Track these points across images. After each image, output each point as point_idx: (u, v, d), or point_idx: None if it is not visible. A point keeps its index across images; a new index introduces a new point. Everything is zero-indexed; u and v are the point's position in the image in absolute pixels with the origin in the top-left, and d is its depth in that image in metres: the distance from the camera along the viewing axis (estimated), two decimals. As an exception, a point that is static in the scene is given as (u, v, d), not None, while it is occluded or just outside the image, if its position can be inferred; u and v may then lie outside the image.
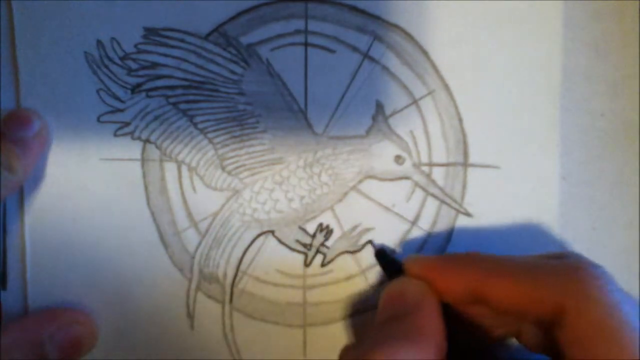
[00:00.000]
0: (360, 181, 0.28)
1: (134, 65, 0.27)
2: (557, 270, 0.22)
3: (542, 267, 0.23)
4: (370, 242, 0.28)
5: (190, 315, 0.28)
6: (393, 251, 0.28)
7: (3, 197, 0.25)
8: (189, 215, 0.28)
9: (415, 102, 0.28)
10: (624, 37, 0.28)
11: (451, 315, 0.24)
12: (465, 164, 0.28)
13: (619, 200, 0.29)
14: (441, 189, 0.28)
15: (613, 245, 0.29)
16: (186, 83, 0.27)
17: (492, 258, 0.24)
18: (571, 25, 0.28)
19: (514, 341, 0.25)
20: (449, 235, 0.28)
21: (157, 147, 0.28)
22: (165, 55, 0.27)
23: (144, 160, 0.28)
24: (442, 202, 0.28)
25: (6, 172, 0.25)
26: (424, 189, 0.28)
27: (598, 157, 0.29)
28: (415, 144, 0.28)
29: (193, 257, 0.28)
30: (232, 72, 0.27)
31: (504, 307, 0.23)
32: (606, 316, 0.21)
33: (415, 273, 0.24)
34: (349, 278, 0.28)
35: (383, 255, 0.27)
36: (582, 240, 0.29)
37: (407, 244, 0.28)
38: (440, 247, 0.28)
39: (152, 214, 0.28)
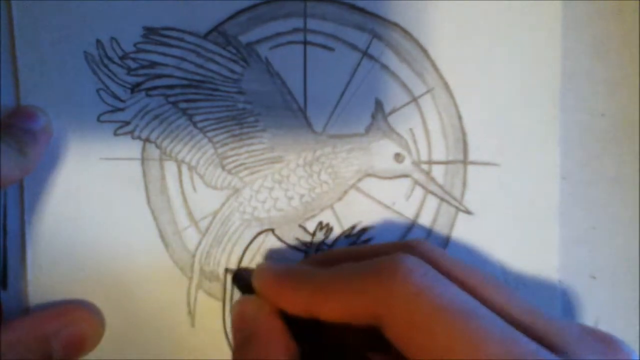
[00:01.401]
0: (359, 179, 0.28)
1: (133, 65, 0.27)
2: (368, 277, 0.22)
3: (358, 277, 0.23)
4: (226, 269, 0.28)
5: (191, 314, 0.28)
6: (249, 271, 0.27)
7: (15, 180, 0.25)
8: (189, 214, 0.28)
9: (414, 100, 0.28)
10: (624, 37, 0.28)
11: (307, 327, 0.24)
12: (465, 162, 0.28)
13: (618, 200, 0.29)
14: (441, 187, 0.28)
15: (613, 245, 0.29)
16: (186, 82, 0.27)
17: (319, 275, 0.24)
18: (571, 25, 0.28)
19: None
20: (449, 233, 0.28)
21: (157, 146, 0.28)
22: (165, 55, 0.27)
23: (144, 160, 0.28)
24: (442, 199, 0.28)
25: (17, 154, 0.25)
26: (423, 187, 0.28)
27: (598, 157, 0.29)
28: (415, 142, 0.28)
29: (193, 256, 0.28)
30: (232, 71, 0.27)
31: (333, 319, 0.23)
32: (411, 308, 0.21)
33: (260, 291, 0.25)
34: (349, 276, 0.28)
35: (239, 278, 0.27)
36: (582, 240, 0.29)
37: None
38: (441, 245, 0.28)
39: (153, 213, 0.28)
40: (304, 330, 0.24)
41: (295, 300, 0.24)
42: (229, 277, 0.28)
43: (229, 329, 0.28)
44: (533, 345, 0.20)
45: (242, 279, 0.27)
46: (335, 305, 0.23)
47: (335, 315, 0.23)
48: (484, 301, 0.22)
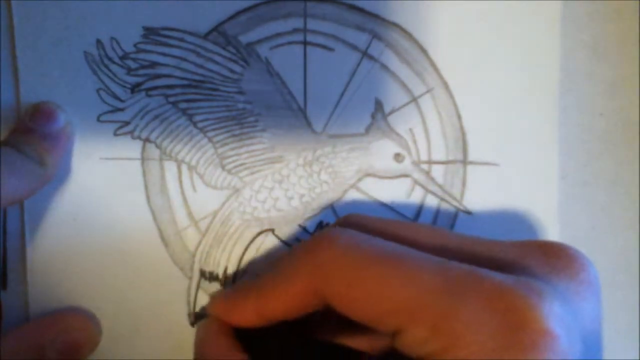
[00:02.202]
0: (359, 179, 0.28)
1: (133, 65, 0.27)
2: (298, 260, 0.22)
3: (288, 266, 0.23)
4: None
5: (191, 314, 0.28)
6: None
7: (35, 191, 0.25)
8: (189, 214, 0.28)
9: (414, 100, 0.28)
10: (623, 37, 0.28)
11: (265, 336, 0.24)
12: (465, 162, 0.28)
13: (618, 200, 0.29)
14: (440, 187, 0.28)
15: (613, 245, 0.29)
16: (186, 82, 0.27)
17: (260, 278, 0.24)
18: (571, 25, 0.28)
19: None
20: (449, 232, 0.28)
21: (156, 146, 0.28)
22: (165, 55, 0.27)
23: (143, 160, 0.28)
24: (442, 199, 0.28)
25: (37, 166, 0.25)
26: (423, 187, 0.28)
27: (597, 157, 0.29)
28: (415, 141, 0.28)
29: (193, 256, 0.28)
30: (232, 71, 0.27)
31: (281, 317, 0.23)
32: (344, 267, 0.21)
33: (214, 313, 0.25)
34: (349, 276, 0.28)
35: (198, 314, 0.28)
36: (582, 240, 0.29)
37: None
38: (440, 245, 0.28)
39: (152, 213, 0.28)
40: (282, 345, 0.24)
41: (244, 310, 0.24)
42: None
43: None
44: (466, 266, 0.20)
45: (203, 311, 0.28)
46: (278, 299, 0.23)
47: (283, 310, 0.23)
48: (420, 246, 0.22)
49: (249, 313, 0.24)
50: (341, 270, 0.21)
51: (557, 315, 0.19)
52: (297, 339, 0.25)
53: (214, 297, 0.26)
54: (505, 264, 0.21)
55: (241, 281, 0.27)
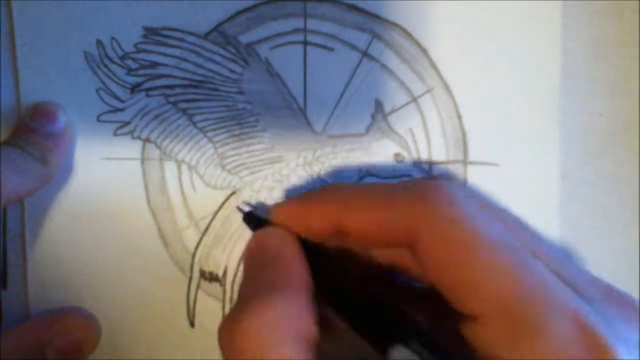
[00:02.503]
0: (360, 179, 0.28)
1: (133, 65, 0.27)
2: (406, 194, 0.22)
3: (394, 193, 0.22)
4: (237, 207, 0.27)
5: (191, 314, 0.28)
6: (262, 207, 0.27)
7: (37, 190, 0.25)
8: (189, 213, 0.28)
9: (414, 100, 0.28)
10: (623, 37, 0.28)
11: (321, 254, 0.23)
12: (465, 162, 0.28)
13: (618, 200, 0.29)
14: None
15: (613, 245, 0.29)
16: (186, 82, 0.27)
17: (349, 188, 0.23)
18: (571, 25, 0.28)
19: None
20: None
21: (156, 146, 0.28)
22: (165, 55, 0.27)
23: (143, 160, 0.28)
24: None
25: (40, 165, 0.25)
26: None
27: (598, 156, 0.29)
28: (415, 141, 0.28)
29: (193, 256, 0.28)
30: (232, 71, 0.27)
31: (362, 237, 0.22)
32: (455, 232, 0.20)
33: (280, 220, 0.24)
34: (349, 276, 0.28)
35: (251, 217, 0.26)
36: (582, 240, 0.29)
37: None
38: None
39: (152, 212, 0.28)
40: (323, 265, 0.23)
41: (323, 214, 0.23)
42: (240, 216, 0.27)
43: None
44: (564, 287, 0.20)
45: (255, 218, 0.26)
46: (368, 216, 0.22)
47: (366, 228, 0.22)
48: (519, 240, 0.21)
49: (326, 217, 0.22)
50: (451, 235, 0.20)
51: None
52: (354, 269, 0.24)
53: (280, 204, 0.25)
54: (587, 296, 0.21)
55: (313, 190, 0.25)
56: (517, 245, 0.21)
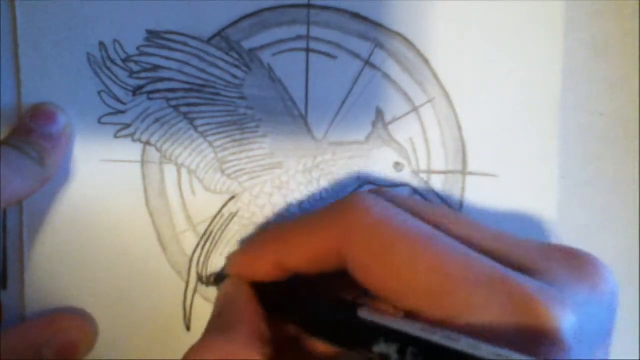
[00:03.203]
0: (359, 187, 0.28)
1: (135, 68, 0.27)
2: (328, 216, 0.23)
3: (319, 219, 0.23)
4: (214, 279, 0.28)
5: (187, 318, 0.28)
6: None
7: (35, 191, 0.25)
8: (188, 217, 0.28)
9: (415, 109, 0.28)
10: (624, 37, 0.28)
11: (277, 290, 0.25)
12: (464, 172, 0.28)
13: (619, 200, 0.29)
14: (439, 197, 0.28)
15: (613, 245, 0.29)
16: (187, 86, 0.27)
17: (283, 227, 0.25)
18: (571, 25, 0.28)
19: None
20: (447, 242, 0.28)
21: (157, 149, 0.28)
22: (167, 58, 0.27)
23: (143, 163, 0.28)
24: (440, 209, 0.28)
25: (37, 166, 0.25)
26: (422, 196, 0.28)
27: (598, 157, 0.29)
28: (415, 151, 0.28)
29: (191, 260, 0.28)
30: (234, 76, 0.27)
31: (305, 269, 0.23)
32: (374, 237, 0.21)
33: (233, 271, 0.26)
34: (346, 284, 0.28)
35: (219, 275, 0.28)
36: (582, 240, 0.29)
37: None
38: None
39: (151, 216, 0.28)
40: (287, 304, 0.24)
41: (263, 259, 0.24)
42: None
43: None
44: (491, 263, 0.20)
45: (221, 275, 0.28)
46: (299, 250, 0.23)
47: (302, 261, 0.23)
48: (447, 231, 0.22)
49: (267, 263, 0.24)
50: (370, 240, 0.21)
51: (574, 329, 0.19)
52: (310, 294, 0.25)
53: (231, 255, 0.26)
54: (528, 265, 0.21)
55: (256, 236, 0.27)
56: (437, 234, 0.21)
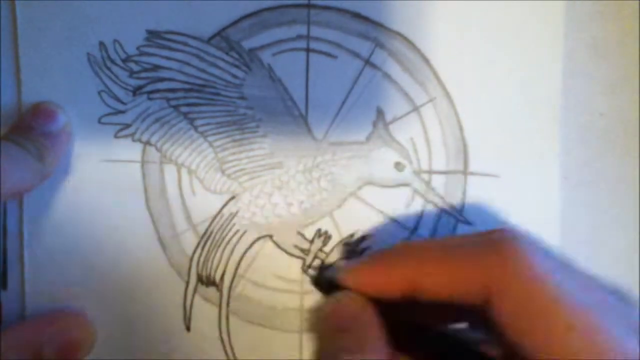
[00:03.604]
0: (359, 187, 0.28)
1: (135, 68, 0.27)
2: (480, 250, 0.22)
3: (467, 248, 0.22)
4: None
5: (187, 318, 0.28)
6: (329, 268, 0.27)
7: (34, 186, 0.25)
8: (188, 217, 0.28)
9: (416, 109, 0.28)
10: (624, 37, 0.28)
11: (393, 315, 0.23)
12: (465, 172, 0.28)
13: (619, 200, 0.29)
14: (441, 197, 0.28)
15: (613, 245, 0.29)
16: (187, 86, 0.27)
17: (421, 246, 0.23)
18: (571, 25, 0.28)
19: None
20: (448, 243, 0.28)
21: (157, 149, 0.28)
22: (167, 58, 0.27)
23: (144, 163, 0.28)
24: (442, 209, 0.28)
25: (37, 162, 0.25)
26: (423, 197, 0.28)
27: (598, 156, 0.28)
28: (416, 151, 0.28)
29: (191, 260, 0.28)
30: (234, 76, 0.27)
31: (437, 295, 0.22)
32: (533, 290, 0.20)
33: (352, 284, 0.24)
34: (346, 284, 0.28)
35: (321, 280, 0.27)
36: (582, 240, 0.28)
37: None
38: (439, 255, 0.28)
39: (151, 216, 0.28)
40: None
41: (393, 276, 0.23)
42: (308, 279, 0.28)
43: (224, 334, 0.28)
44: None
45: (324, 279, 0.26)
46: (441, 276, 0.22)
47: (441, 288, 0.22)
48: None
49: (398, 281, 0.22)
50: (527, 294, 0.20)
51: None
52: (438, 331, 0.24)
53: (350, 266, 0.24)
54: None
55: (381, 251, 0.25)
56: (593, 304, 0.20)
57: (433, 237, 0.24)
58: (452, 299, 0.22)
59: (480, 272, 0.21)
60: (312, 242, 0.28)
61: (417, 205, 0.28)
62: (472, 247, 0.22)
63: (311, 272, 0.27)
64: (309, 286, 0.28)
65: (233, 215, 0.28)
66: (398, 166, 0.28)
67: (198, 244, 0.28)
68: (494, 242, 0.22)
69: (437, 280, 0.22)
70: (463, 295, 0.22)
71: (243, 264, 0.28)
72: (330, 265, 0.28)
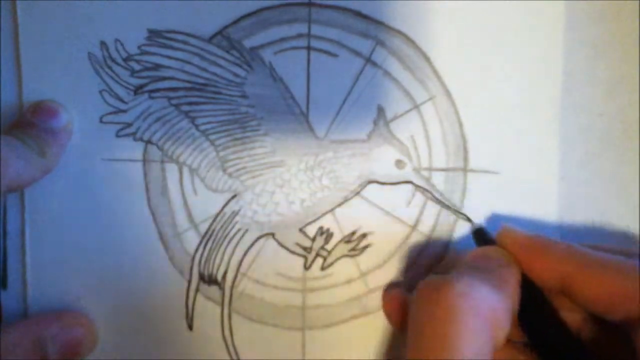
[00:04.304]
0: (360, 185, 0.28)
1: (137, 67, 0.27)
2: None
3: (630, 266, 0.22)
4: (469, 220, 0.28)
5: (189, 317, 0.28)
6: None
7: (35, 180, 0.26)
8: (190, 216, 0.28)
9: (416, 107, 0.28)
10: (623, 37, 0.28)
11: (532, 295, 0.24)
12: (465, 169, 0.28)
13: (618, 200, 0.29)
14: (441, 194, 0.28)
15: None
16: (189, 85, 0.27)
17: (586, 252, 0.24)
18: (571, 25, 0.28)
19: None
20: (449, 239, 0.28)
21: (158, 148, 0.28)
22: (169, 57, 0.27)
23: (145, 161, 0.28)
24: (442, 206, 0.28)
25: (37, 156, 0.25)
26: (423, 194, 0.28)
27: (597, 156, 0.29)
28: (416, 148, 0.28)
29: (193, 259, 0.28)
30: (235, 74, 0.27)
31: (589, 302, 0.23)
32: None
33: (508, 246, 0.25)
34: (348, 282, 0.28)
35: (480, 234, 0.27)
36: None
37: (406, 249, 0.28)
38: (440, 252, 0.28)
39: (153, 215, 0.28)
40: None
41: (552, 267, 0.23)
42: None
43: (227, 333, 0.28)
44: None
45: (484, 236, 0.27)
46: (601, 285, 0.22)
47: (595, 295, 0.22)
48: None
49: (554, 271, 0.23)
50: None
51: None
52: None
53: (510, 229, 0.25)
54: None
55: (542, 236, 0.25)
56: None
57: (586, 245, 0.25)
58: (602, 310, 0.23)
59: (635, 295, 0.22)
60: (314, 240, 0.28)
61: (417, 202, 0.28)
62: (634, 267, 0.22)
63: (476, 223, 0.28)
64: (311, 284, 0.28)
65: (235, 213, 0.28)
66: (399, 164, 0.28)
67: (200, 242, 0.28)
68: None
69: (595, 289, 0.22)
70: (616, 310, 0.22)
71: (245, 262, 0.28)
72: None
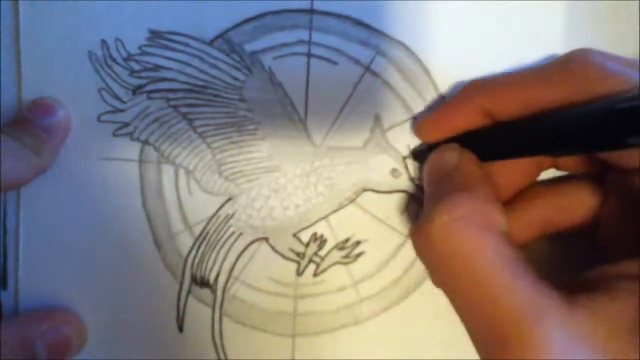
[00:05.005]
0: (356, 192, 0.28)
1: (136, 67, 0.27)
2: (549, 68, 0.23)
3: (536, 70, 0.23)
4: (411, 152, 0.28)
5: (180, 318, 0.28)
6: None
7: (30, 179, 0.26)
8: (184, 218, 0.28)
9: (413, 117, 0.28)
10: (623, 37, 0.28)
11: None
12: (461, 181, 0.28)
13: None
14: (435, 205, 0.28)
15: None
16: (188, 87, 0.27)
17: (489, 78, 0.25)
18: (571, 25, 0.28)
19: None
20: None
21: (155, 149, 0.28)
22: (169, 59, 0.27)
23: (141, 162, 0.28)
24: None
25: (33, 155, 0.25)
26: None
27: None
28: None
29: (186, 261, 0.28)
30: (234, 78, 0.27)
31: (510, 116, 0.23)
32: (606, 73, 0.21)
33: (433, 131, 0.26)
34: (340, 289, 0.28)
35: (415, 155, 0.28)
36: None
37: (400, 258, 0.28)
38: (432, 262, 0.28)
39: (147, 215, 0.28)
40: None
41: (469, 112, 0.24)
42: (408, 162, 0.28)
43: (217, 336, 0.28)
44: None
45: (419, 151, 0.28)
46: (515, 100, 0.23)
47: (516, 107, 0.23)
48: None
49: (473, 112, 0.24)
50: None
51: None
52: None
53: (423, 121, 0.27)
54: None
55: (445, 102, 0.27)
56: None
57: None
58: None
59: (553, 88, 0.22)
60: (307, 245, 0.28)
61: (412, 212, 0.28)
62: (543, 68, 0.23)
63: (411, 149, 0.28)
64: (302, 290, 0.28)
65: (229, 217, 0.28)
66: (394, 173, 0.28)
67: (193, 244, 0.28)
68: (567, 62, 0.23)
69: (511, 106, 0.23)
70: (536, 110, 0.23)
71: (238, 266, 0.28)
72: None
